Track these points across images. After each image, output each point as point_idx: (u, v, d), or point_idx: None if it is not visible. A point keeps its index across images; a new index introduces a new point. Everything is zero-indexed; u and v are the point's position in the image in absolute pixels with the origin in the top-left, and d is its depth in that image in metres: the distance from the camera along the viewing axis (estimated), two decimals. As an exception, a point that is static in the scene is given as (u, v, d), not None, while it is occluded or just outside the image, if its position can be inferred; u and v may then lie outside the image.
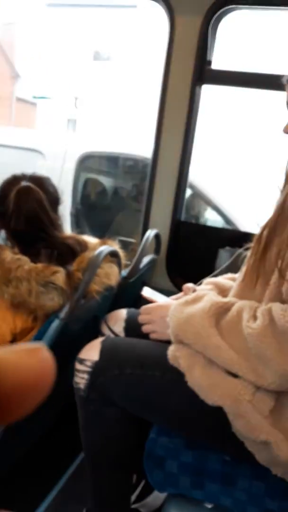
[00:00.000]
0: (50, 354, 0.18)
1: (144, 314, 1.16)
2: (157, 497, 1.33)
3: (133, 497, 1.32)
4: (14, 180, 1.20)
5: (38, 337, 1.09)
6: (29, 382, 0.17)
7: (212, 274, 1.36)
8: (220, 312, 0.96)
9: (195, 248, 1.87)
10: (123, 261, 1.39)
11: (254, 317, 0.91)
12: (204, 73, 1.72)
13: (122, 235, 2.31)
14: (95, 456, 1.15)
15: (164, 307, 1.13)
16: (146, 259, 1.73)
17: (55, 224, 1.23)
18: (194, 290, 1.21)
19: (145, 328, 1.15)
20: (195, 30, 1.69)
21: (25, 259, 1.10)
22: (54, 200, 1.25)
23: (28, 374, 0.17)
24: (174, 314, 1.01)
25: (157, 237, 1.80)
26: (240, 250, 1.15)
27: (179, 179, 1.83)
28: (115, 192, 3.45)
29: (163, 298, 1.32)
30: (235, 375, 0.91)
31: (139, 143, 3.37)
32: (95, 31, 13.13)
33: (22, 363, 0.17)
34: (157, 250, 1.84)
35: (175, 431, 1.08)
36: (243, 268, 1.07)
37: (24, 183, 1.18)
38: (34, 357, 0.17)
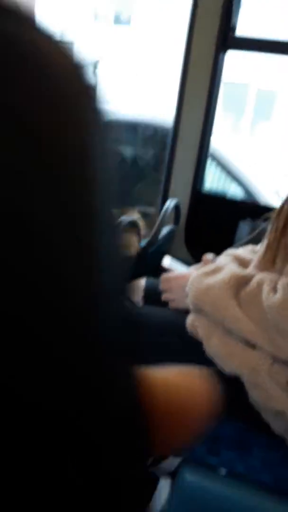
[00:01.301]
0: (211, 381, 0.16)
1: (163, 282, 1.17)
2: (172, 462, 1.37)
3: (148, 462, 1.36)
4: None
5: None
6: (187, 408, 0.14)
7: (235, 245, 1.35)
8: (240, 284, 0.96)
9: (215, 220, 1.86)
10: (142, 231, 1.39)
11: (275, 290, 0.90)
12: (228, 39, 1.66)
13: (141, 204, 2.30)
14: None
15: (183, 277, 1.13)
16: (165, 230, 1.72)
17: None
18: (214, 260, 1.21)
19: (164, 296, 1.16)
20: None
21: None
22: None
23: (187, 400, 0.14)
24: (194, 284, 1.01)
25: (176, 207, 1.79)
26: (263, 225, 1.14)
27: (200, 149, 1.80)
28: (134, 161, 3.41)
29: (182, 268, 1.32)
30: (253, 346, 0.92)
31: (159, 110, 3.30)
32: (116, -6, 12.77)
33: (181, 386, 0.15)
34: (176, 221, 1.83)
35: (191, 399, 1.10)
36: (264, 242, 1.06)
37: None
38: (194, 382, 0.15)
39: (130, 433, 0.13)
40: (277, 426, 0.94)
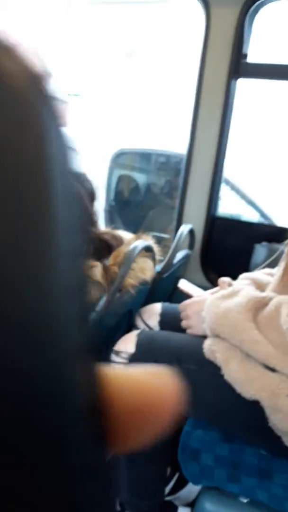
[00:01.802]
0: (176, 380, 0.15)
1: (182, 309, 1.17)
2: (191, 490, 1.34)
3: (166, 490, 1.33)
4: None
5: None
6: (150, 405, 0.15)
7: (252, 269, 1.35)
8: (257, 307, 0.96)
9: (230, 243, 1.86)
10: (157, 256, 1.40)
11: (293, 312, 0.90)
12: (240, 67, 1.70)
13: (154, 230, 2.32)
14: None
15: (199, 303, 1.13)
16: (180, 255, 1.73)
17: (92, 219, 1.25)
18: (230, 284, 1.21)
19: (182, 323, 1.17)
20: (232, 22, 1.67)
21: (63, 253, 1.12)
22: (91, 196, 1.26)
23: (150, 397, 0.15)
24: (211, 309, 1.01)
25: (191, 232, 1.80)
26: (280, 247, 1.15)
27: (214, 174, 1.82)
28: (148, 188, 3.46)
29: (199, 291, 1.32)
30: (272, 369, 0.91)
31: (172, 139, 3.36)
32: (127, 28, 13.18)
33: (145, 384, 0.15)
34: (191, 246, 1.84)
35: (211, 424, 1.08)
36: (281, 264, 1.06)
37: None
38: (159, 380, 0.15)
39: (92, 430, 0.13)
40: (299, 452, 0.92)
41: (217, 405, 1.02)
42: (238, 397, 0.93)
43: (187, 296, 1.27)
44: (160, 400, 0.15)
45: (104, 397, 0.13)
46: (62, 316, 0.12)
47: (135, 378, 0.15)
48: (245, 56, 1.70)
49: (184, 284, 1.33)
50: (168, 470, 1.31)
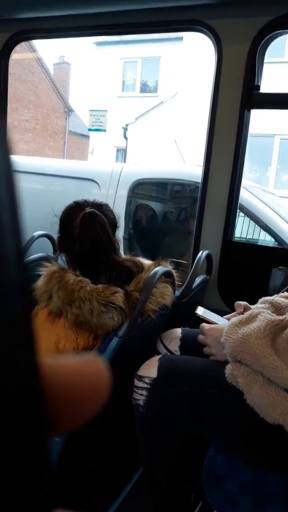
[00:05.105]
0: (106, 366, 0.17)
1: (200, 333, 1.19)
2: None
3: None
4: (77, 206, 1.27)
5: (99, 355, 1.14)
6: (82, 391, 0.16)
7: (269, 293, 1.36)
8: (275, 331, 0.97)
9: (247, 268, 1.88)
10: (176, 281, 1.43)
11: (312, 335, 0.91)
12: (252, 98, 1.76)
13: (172, 256, 2.35)
14: (154, 472, 1.16)
15: (217, 329, 1.16)
16: (198, 280, 1.75)
17: (114, 247, 1.29)
18: (246, 307, 1.23)
19: (204, 350, 1.18)
20: (243, 56, 1.73)
21: (86, 280, 1.16)
22: (113, 224, 1.31)
23: (82, 383, 0.16)
24: (229, 335, 1.02)
25: (208, 257, 1.83)
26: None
27: (229, 201, 1.86)
28: (164, 216, 3.52)
29: (216, 317, 1.34)
30: (295, 393, 0.91)
31: (187, 168, 3.43)
32: (142, 65, 13.58)
33: (77, 372, 0.17)
34: (208, 271, 1.86)
35: (234, 449, 1.08)
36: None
37: (88, 209, 1.25)
38: (89, 368, 0.17)
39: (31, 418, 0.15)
40: None
41: (239, 429, 1.02)
42: (261, 421, 0.94)
43: (205, 322, 1.29)
44: (91, 385, 0.17)
45: (42, 385, 0.15)
46: (7, 312, 0.14)
47: (68, 366, 0.17)
48: (257, 87, 1.76)
49: (201, 311, 1.36)
50: (192, 497, 1.30)
